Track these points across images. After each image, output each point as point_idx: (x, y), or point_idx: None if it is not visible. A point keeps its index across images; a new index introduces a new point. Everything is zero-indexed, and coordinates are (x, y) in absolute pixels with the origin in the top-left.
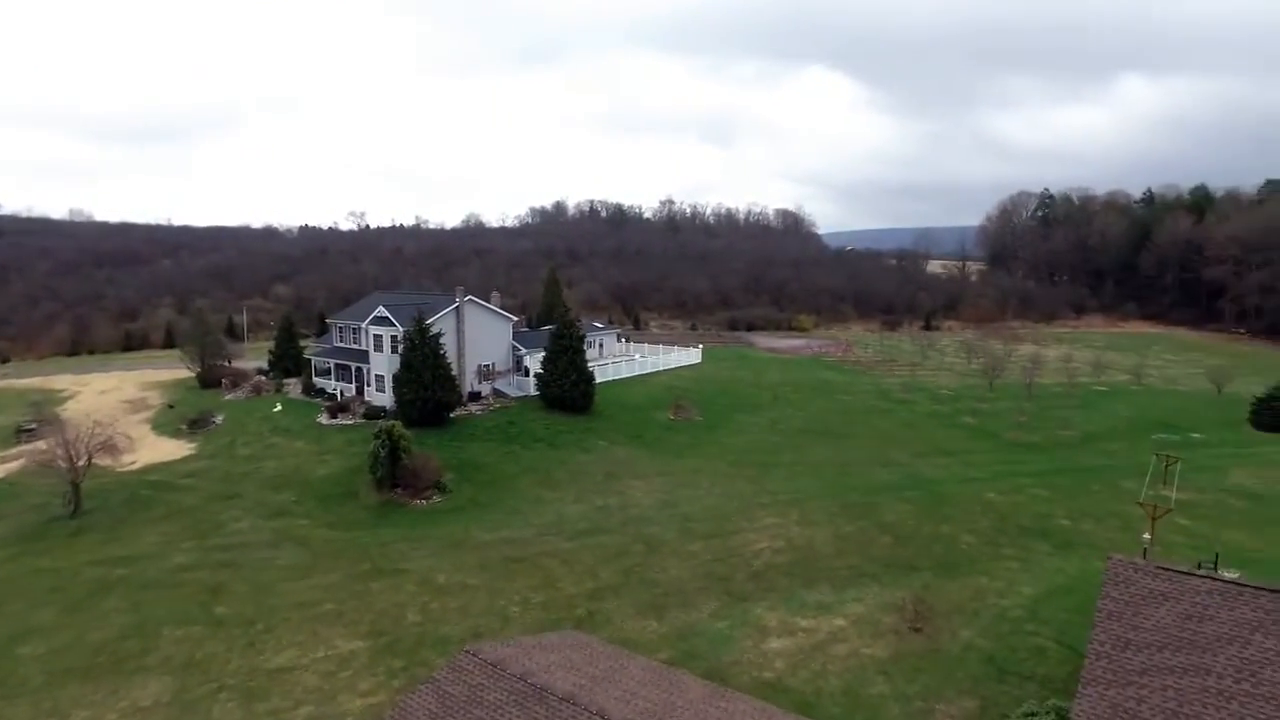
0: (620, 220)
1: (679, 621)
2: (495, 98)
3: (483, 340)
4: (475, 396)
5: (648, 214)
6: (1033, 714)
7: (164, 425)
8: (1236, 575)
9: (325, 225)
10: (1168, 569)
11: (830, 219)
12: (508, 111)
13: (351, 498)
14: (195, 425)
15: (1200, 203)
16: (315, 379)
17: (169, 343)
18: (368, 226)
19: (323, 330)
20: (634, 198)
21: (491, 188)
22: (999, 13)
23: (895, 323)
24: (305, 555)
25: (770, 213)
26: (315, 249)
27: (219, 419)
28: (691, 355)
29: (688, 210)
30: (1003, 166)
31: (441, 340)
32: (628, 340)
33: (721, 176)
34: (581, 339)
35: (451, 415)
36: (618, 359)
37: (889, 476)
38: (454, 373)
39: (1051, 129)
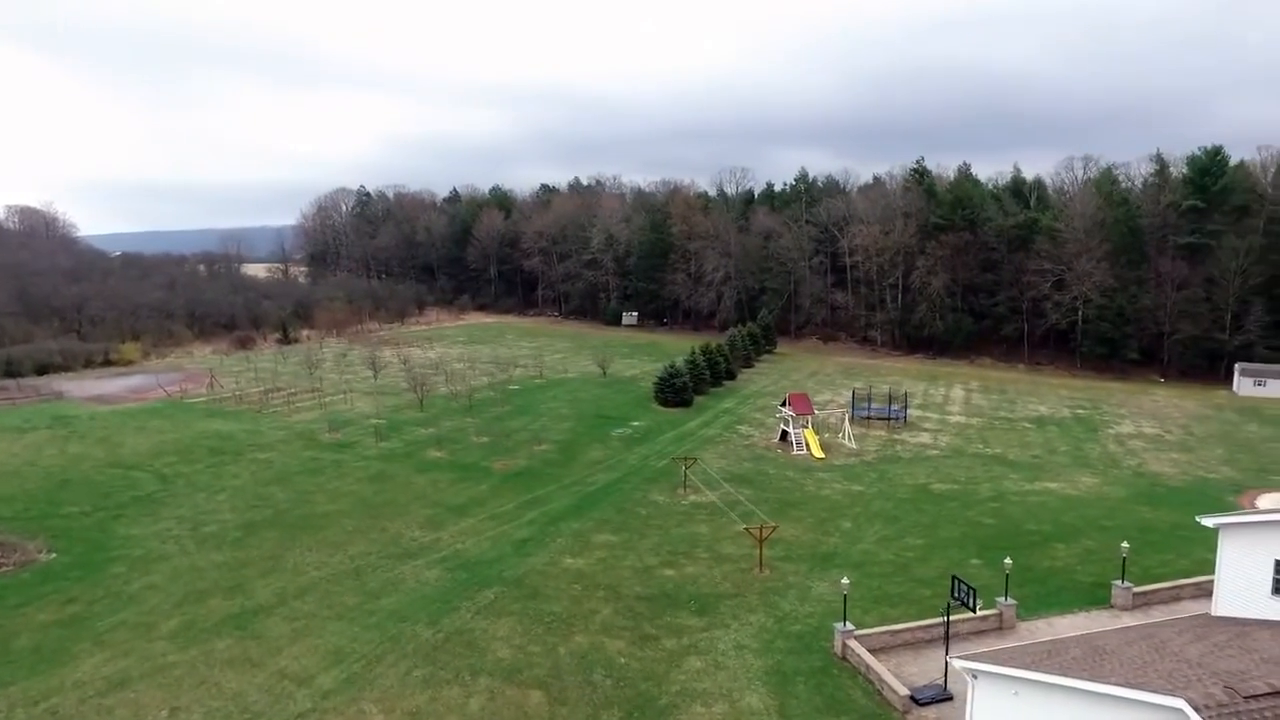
0: None
1: None
2: None
3: None
4: None
5: None
6: None
7: None
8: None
9: None
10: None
11: (93, 224)
12: None
13: None
14: None
15: (503, 201)
16: None
17: None
18: None
19: None
20: None
21: None
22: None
23: (248, 339)
24: None
25: (1, 210)
26: None
27: None
28: None
29: None
30: (253, 167)
31: None
32: None
33: None
34: None
35: None
36: None
37: (430, 575)
38: None
39: (290, 134)
